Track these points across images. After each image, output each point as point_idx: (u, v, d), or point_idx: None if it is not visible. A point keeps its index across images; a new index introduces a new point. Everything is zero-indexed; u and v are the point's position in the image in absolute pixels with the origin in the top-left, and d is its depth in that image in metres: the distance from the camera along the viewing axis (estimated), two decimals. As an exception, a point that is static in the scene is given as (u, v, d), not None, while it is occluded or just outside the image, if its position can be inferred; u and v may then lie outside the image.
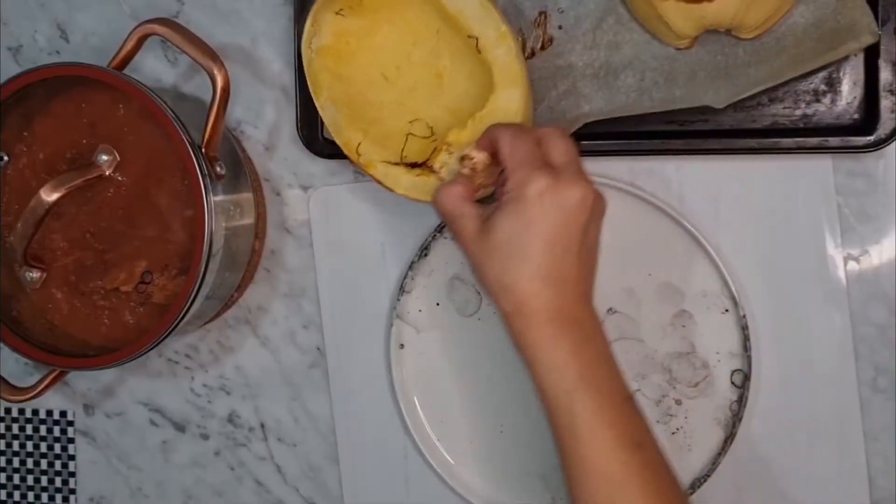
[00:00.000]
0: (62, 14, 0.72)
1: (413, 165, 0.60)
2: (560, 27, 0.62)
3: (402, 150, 0.61)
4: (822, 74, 0.60)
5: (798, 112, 0.60)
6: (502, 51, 0.57)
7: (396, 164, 0.60)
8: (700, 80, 0.60)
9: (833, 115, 0.60)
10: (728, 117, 0.61)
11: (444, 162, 0.58)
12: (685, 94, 0.59)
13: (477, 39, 0.57)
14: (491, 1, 0.58)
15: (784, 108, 0.60)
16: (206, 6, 0.69)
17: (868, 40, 0.56)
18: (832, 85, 0.60)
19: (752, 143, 0.60)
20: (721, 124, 0.61)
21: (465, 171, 0.55)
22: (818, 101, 0.60)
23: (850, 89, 0.60)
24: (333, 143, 0.62)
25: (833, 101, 0.60)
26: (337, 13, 0.60)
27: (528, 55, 0.63)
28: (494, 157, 0.55)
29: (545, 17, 0.62)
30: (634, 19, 0.61)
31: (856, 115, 0.60)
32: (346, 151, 0.61)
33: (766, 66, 0.58)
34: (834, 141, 0.59)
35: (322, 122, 0.64)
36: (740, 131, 0.61)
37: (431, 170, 0.58)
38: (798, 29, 0.58)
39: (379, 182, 0.60)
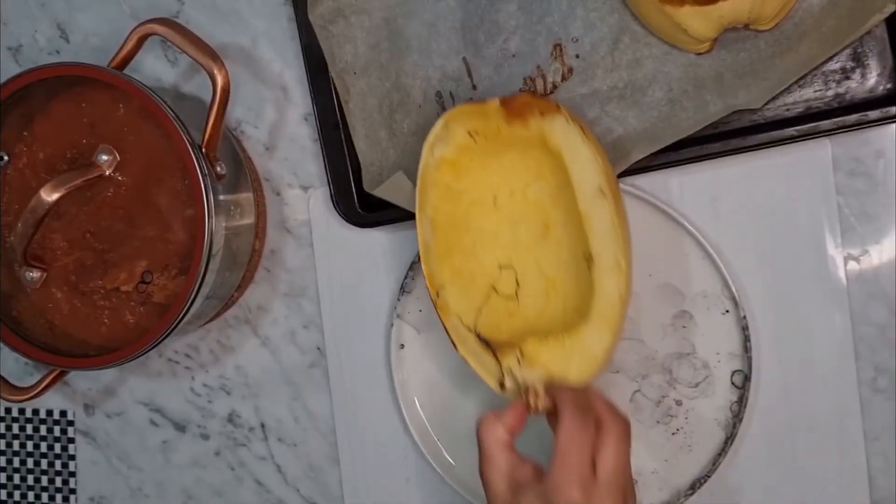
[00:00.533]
0: (62, 14, 0.72)
1: (483, 341, 0.57)
2: (577, 56, 0.61)
3: (480, 308, 0.59)
4: (846, 51, 0.59)
5: (830, 93, 0.59)
6: (612, 285, 0.54)
7: (469, 329, 0.58)
8: (728, 81, 0.59)
9: (866, 90, 0.59)
10: (760, 112, 0.60)
11: (510, 369, 0.56)
12: (717, 100, 0.59)
13: (592, 258, 0.55)
14: (624, 226, 0.55)
15: (815, 91, 0.60)
16: (206, 6, 0.69)
17: (891, 9, 0.55)
18: (859, 59, 0.59)
19: (792, 131, 0.59)
20: (755, 120, 0.60)
21: (525, 400, 0.54)
22: (848, 78, 0.59)
23: (878, 60, 0.59)
24: (371, 209, 0.65)
25: (863, 76, 0.59)
26: (468, 131, 0.58)
27: (551, 89, 0.62)
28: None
29: (561, 50, 0.61)
30: (650, 33, 0.60)
31: (889, 85, 0.59)
32: (427, 280, 0.59)
33: (792, 54, 0.58)
34: (874, 114, 0.58)
35: (355, 184, 0.65)
36: (776, 123, 0.60)
37: (497, 362, 0.57)
38: (815, 10, 0.58)
39: (446, 331, 0.59)
